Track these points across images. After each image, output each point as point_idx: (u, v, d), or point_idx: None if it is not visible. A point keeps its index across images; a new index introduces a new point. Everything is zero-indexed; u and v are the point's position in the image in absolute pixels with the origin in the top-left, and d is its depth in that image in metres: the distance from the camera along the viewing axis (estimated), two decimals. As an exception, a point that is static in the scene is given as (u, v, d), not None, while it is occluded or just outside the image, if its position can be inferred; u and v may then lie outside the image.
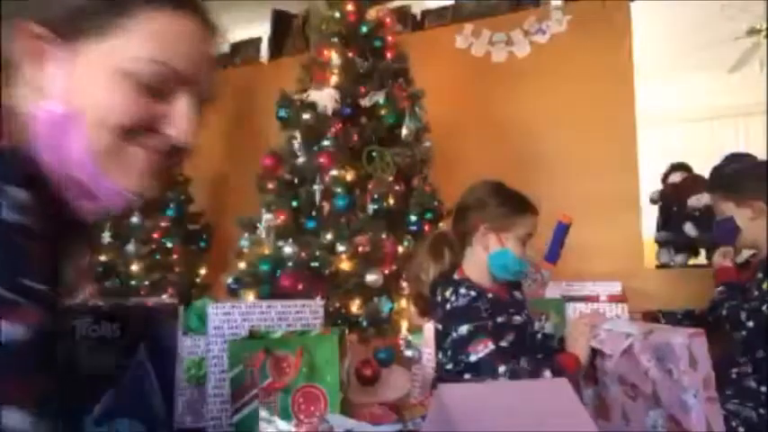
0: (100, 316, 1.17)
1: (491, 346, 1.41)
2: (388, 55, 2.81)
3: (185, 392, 1.66)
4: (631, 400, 1.30)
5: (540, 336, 1.69)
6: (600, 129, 3.14)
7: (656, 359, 1.22)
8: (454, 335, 1.46)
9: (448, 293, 1.52)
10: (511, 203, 1.58)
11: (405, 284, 2.49)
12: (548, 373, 1.37)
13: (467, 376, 1.49)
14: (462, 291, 1.49)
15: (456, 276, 1.56)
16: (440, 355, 1.58)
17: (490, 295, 1.52)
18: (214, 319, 1.59)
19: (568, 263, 2.20)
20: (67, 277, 0.74)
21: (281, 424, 1.29)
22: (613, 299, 2.07)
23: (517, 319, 1.55)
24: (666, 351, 1.20)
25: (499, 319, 1.49)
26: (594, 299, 1.94)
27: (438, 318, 1.57)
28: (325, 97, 2.64)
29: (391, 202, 2.63)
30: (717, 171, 1.86)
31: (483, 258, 1.55)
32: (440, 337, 1.57)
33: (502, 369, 1.38)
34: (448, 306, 1.51)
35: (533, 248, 1.64)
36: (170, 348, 1.18)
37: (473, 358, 1.41)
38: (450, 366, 1.53)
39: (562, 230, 1.93)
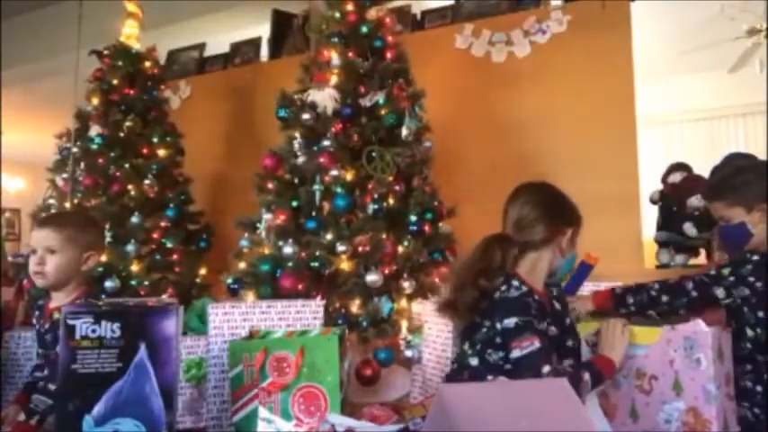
0: (100, 316, 1.17)
1: (537, 344, 1.36)
2: (388, 55, 2.80)
3: (185, 392, 1.65)
4: (645, 394, 1.31)
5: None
6: (600, 129, 3.14)
7: (683, 349, 1.24)
8: (498, 326, 1.42)
9: (498, 283, 1.48)
10: (571, 205, 1.64)
11: (405, 284, 2.49)
12: (587, 376, 1.35)
13: (489, 378, 1.43)
14: (515, 283, 1.47)
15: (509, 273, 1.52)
16: (466, 346, 1.52)
17: (537, 297, 1.49)
18: (214, 319, 1.59)
19: (568, 263, 2.20)
20: None
21: (281, 424, 1.29)
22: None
23: (553, 330, 1.51)
24: (697, 340, 1.22)
25: (540, 327, 1.46)
26: None
27: (476, 309, 1.51)
28: (326, 97, 2.64)
29: (391, 202, 2.63)
30: (716, 180, 1.85)
31: (546, 262, 1.56)
32: (472, 329, 1.51)
33: (546, 369, 1.34)
34: (497, 295, 1.46)
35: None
36: (170, 349, 1.18)
37: (516, 354, 1.36)
38: (475, 362, 1.47)
39: (586, 270, 1.96)
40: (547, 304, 1.54)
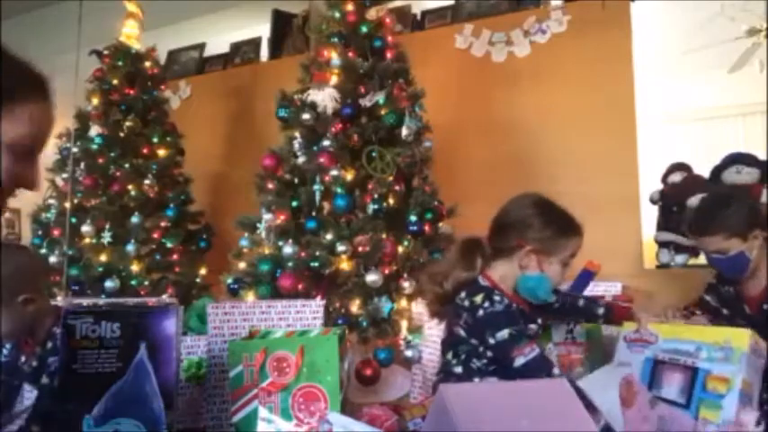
0: (100, 316, 1.17)
1: (537, 349, 1.41)
2: (388, 55, 2.80)
3: (185, 392, 1.65)
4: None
5: (582, 302, 1.72)
6: (600, 129, 3.14)
7: None
8: (492, 341, 1.44)
9: (479, 299, 1.48)
10: (557, 225, 1.54)
11: (405, 284, 2.49)
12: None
13: (476, 380, 1.48)
14: (497, 298, 1.48)
15: (483, 283, 1.54)
16: (449, 357, 1.56)
17: (514, 306, 1.51)
18: (214, 319, 1.59)
19: (568, 263, 2.19)
20: None
21: (281, 424, 1.29)
22: (618, 299, 2.07)
23: (532, 327, 1.55)
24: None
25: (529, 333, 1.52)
26: (600, 299, 1.93)
27: (460, 322, 1.52)
28: (326, 97, 2.64)
29: (391, 202, 2.63)
30: (703, 216, 1.86)
31: (515, 273, 1.54)
32: (455, 342, 1.54)
33: (557, 371, 1.38)
34: (480, 312, 1.47)
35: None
36: (170, 349, 1.18)
37: (521, 360, 1.39)
38: (459, 370, 1.51)
39: (587, 278, 1.95)
40: (526, 307, 1.57)
